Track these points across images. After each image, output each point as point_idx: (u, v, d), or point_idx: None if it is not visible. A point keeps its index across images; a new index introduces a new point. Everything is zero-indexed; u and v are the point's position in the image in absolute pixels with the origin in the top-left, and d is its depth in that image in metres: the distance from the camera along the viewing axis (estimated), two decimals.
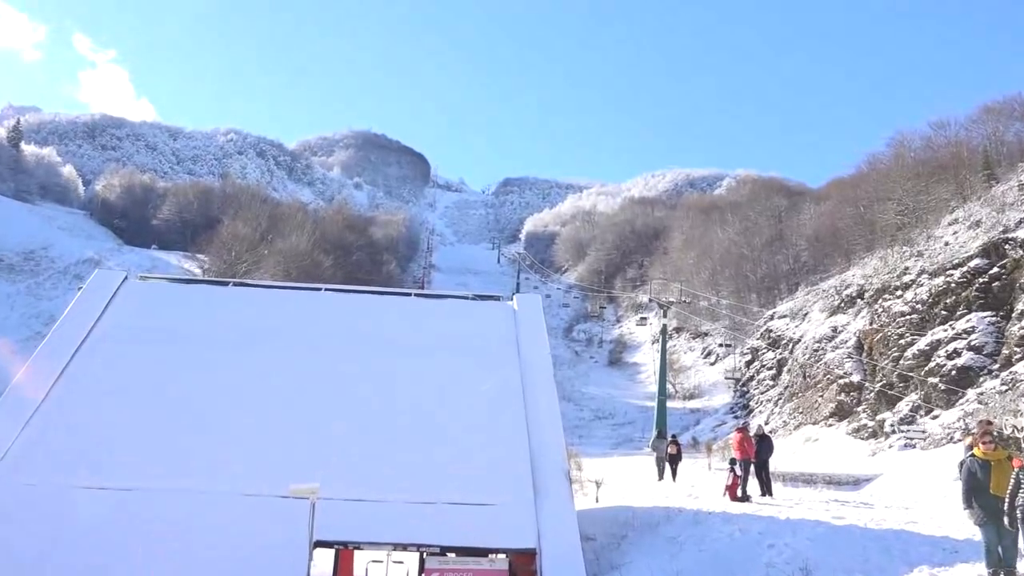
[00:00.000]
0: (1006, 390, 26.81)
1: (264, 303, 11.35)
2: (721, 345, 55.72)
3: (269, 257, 63.52)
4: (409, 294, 12.20)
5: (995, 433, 10.63)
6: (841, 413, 37.14)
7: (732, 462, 20.29)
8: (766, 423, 41.77)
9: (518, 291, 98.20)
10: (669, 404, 52.58)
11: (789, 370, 45.98)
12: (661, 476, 28.50)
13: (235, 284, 11.89)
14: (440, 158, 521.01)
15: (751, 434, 20.95)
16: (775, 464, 21.51)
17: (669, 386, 57.36)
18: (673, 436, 30.67)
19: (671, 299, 57.00)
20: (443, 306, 11.46)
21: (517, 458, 8.20)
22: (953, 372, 30.47)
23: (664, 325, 52.61)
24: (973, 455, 10.29)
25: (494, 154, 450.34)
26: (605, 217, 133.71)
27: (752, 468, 19.99)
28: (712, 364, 64.84)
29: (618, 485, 26.40)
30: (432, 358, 9.56)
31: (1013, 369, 27.95)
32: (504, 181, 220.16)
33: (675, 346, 70.87)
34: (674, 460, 27.52)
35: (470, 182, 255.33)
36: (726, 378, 59.19)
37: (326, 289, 11.82)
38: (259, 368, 9.59)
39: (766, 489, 19.89)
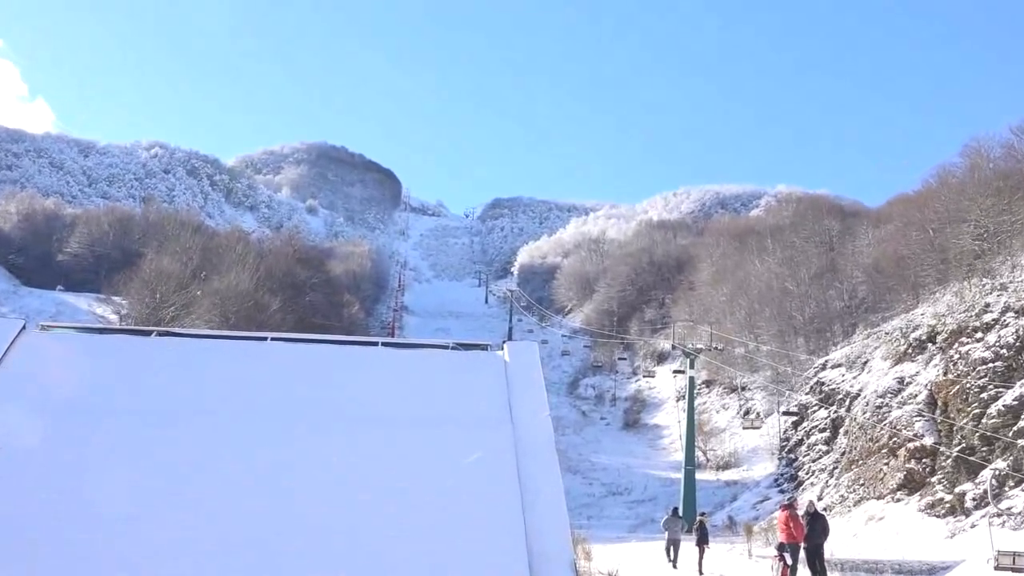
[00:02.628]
0: None
1: (195, 356, 11.25)
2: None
3: (202, 299, 63.46)
4: (376, 343, 12.09)
5: None
6: (911, 485, 37.07)
7: (780, 547, 20.25)
8: (819, 498, 41.62)
9: (510, 338, 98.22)
10: (700, 475, 52.67)
11: (847, 432, 45.93)
12: (674, 563, 28.71)
13: (159, 333, 11.81)
14: (414, 176, 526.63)
15: (800, 513, 20.90)
16: (831, 549, 21.47)
17: (699, 453, 57.40)
18: (702, 514, 30.66)
19: (699, 345, 57.16)
20: (417, 358, 11.39)
21: (511, 547, 8.10)
22: None
23: (691, 378, 52.83)
24: None
25: (480, 171, 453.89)
26: (617, 245, 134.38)
27: (803, 554, 19.91)
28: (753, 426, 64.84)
29: None
30: (404, 423, 9.49)
31: None
32: (492, 203, 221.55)
33: (705, 404, 70.86)
34: (701, 542, 27.51)
35: (450, 204, 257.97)
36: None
37: (273, 338, 11.76)
38: (189, 440, 9.49)
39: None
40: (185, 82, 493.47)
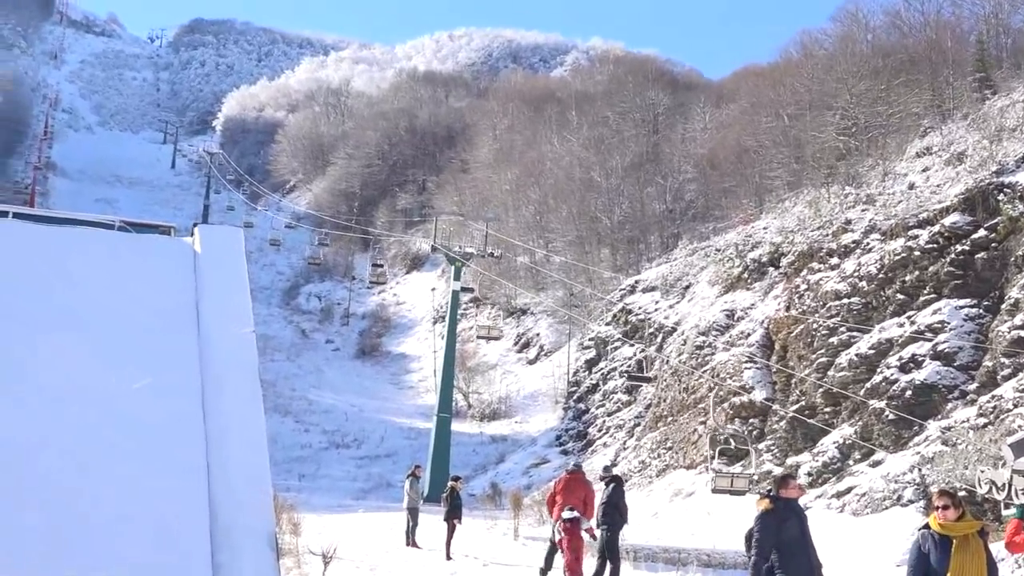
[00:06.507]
0: (985, 424, 28.75)
1: None
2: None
3: None
4: (6, 214, 11.56)
5: (957, 495, 11.32)
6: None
7: (574, 521, 19.94)
8: (613, 464, 43.00)
9: (206, 220, 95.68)
10: (457, 426, 53.24)
11: (655, 378, 47.50)
12: (409, 540, 29.15)
13: None
14: None
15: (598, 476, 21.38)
16: (623, 532, 22.09)
17: (458, 397, 58.02)
18: (456, 478, 31.11)
19: (470, 249, 57.65)
20: (67, 238, 10.92)
21: (188, 512, 7.95)
22: (909, 393, 32.26)
23: (456, 293, 53.25)
24: (928, 527, 10.96)
25: None
26: (365, 101, 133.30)
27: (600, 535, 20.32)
28: (532, 363, 66.14)
29: (362, 559, 26.50)
30: (41, 332, 9.08)
31: (997, 392, 29.87)
32: (191, 24, 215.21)
33: (472, 330, 71.85)
34: (451, 516, 27.82)
35: (129, 22, 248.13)
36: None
37: None
38: None
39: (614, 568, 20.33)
40: None
